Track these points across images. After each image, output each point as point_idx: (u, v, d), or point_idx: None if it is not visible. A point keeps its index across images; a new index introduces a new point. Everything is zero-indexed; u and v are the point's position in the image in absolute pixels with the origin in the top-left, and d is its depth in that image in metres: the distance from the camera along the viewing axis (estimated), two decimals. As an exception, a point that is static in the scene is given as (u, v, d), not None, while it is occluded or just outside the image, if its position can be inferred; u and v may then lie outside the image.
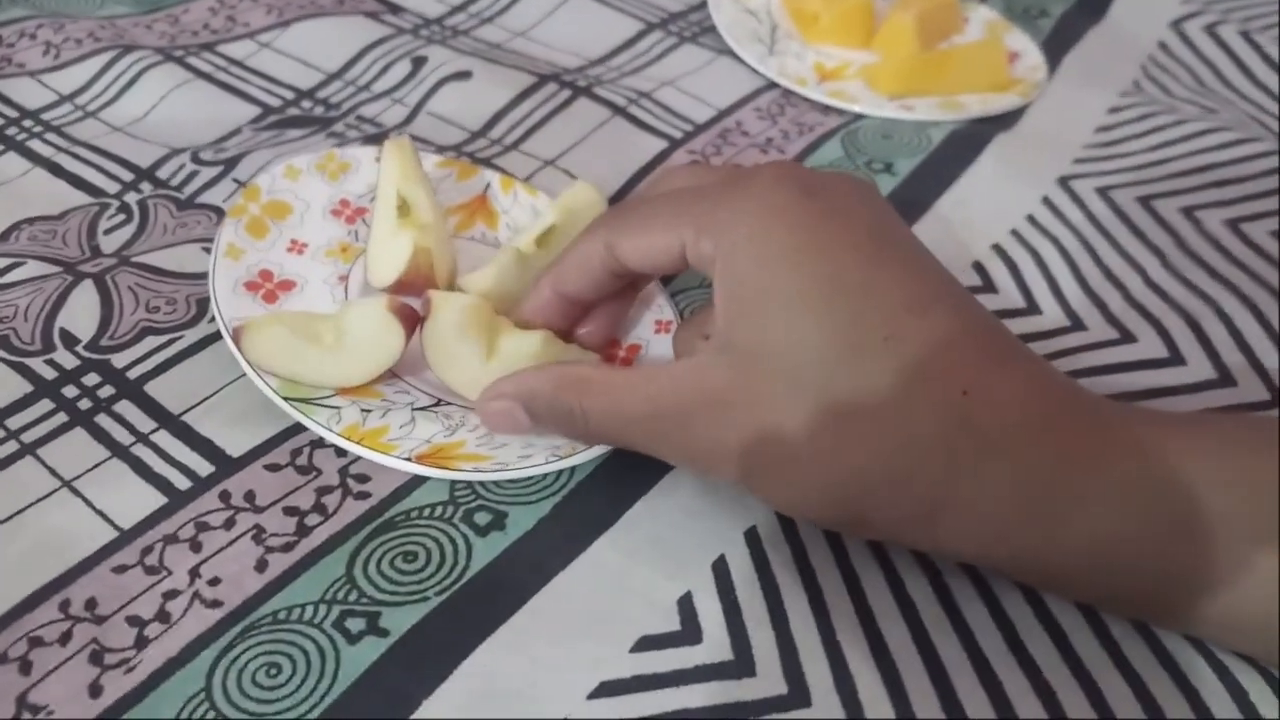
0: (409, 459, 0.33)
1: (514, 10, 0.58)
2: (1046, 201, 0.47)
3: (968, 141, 0.50)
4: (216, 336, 0.38)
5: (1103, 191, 0.47)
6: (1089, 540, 0.28)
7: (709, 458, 0.30)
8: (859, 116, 0.52)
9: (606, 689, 0.29)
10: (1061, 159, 0.49)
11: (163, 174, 0.46)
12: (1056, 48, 0.58)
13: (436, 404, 0.36)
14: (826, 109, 0.52)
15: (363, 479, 0.34)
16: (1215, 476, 0.28)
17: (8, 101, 0.50)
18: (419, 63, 0.53)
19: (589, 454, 0.34)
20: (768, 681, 0.29)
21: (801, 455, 0.28)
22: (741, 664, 0.30)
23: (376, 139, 0.48)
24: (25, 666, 0.29)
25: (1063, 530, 0.28)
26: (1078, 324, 0.41)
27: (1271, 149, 0.49)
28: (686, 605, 0.31)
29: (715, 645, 0.30)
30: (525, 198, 0.44)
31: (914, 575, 0.32)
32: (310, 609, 0.31)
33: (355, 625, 0.30)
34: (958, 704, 0.29)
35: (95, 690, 0.29)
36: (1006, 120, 0.52)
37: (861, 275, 0.29)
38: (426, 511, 0.33)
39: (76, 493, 0.34)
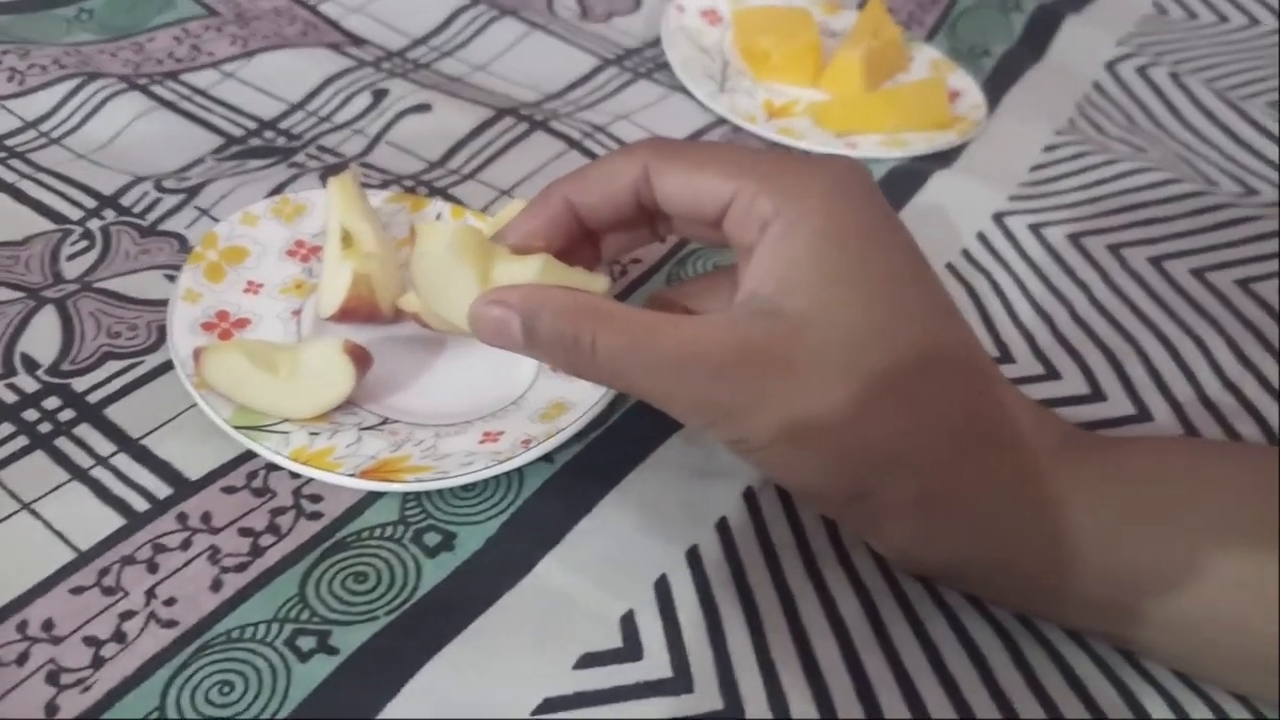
0: (354, 474, 0.35)
1: (474, 45, 0.60)
2: (981, 237, 0.49)
3: (908, 178, 0.52)
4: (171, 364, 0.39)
5: (1035, 228, 0.49)
6: (1057, 533, 0.30)
7: (731, 414, 0.30)
8: (805, 153, 0.54)
9: (550, 705, 0.30)
10: (997, 196, 0.51)
11: (125, 201, 0.47)
12: (997, 86, 0.60)
13: (382, 423, 0.38)
14: (774, 145, 0.54)
15: (315, 499, 0.36)
16: (1171, 479, 0.31)
17: (-27, 128, 0.51)
18: (380, 95, 0.54)
19: (527, 456, 0.35)
20: (705, 697, 0.31)
21: (826, 424, 0.29)
22: (680, 680, 0.31)
23: (336, 169, 0.49)
24: (-15, 683, 0.30)
25: (1037, 523, 0.30)
26: (1007, 356, 0.43)
27: (1195, 189, 0.51)
28: (629, 623, 0.32)
29: (655, 662, 0.32)
30: (475, 225, 0.45)
31: (846, 596, 0.34)
32: (263, 628, 0.32)
33: (306, 644, 0.32)
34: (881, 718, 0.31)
35: (51, 709, 0.30)
36: (947, 157, 0.54)
37: (910, 273, 0.31)
38: (378, 532, 0.35)
39: (36, 515, 0.35)
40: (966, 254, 0.48)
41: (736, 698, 0.31)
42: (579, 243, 0.35)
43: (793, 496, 0.36)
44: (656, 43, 0.61)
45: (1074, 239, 0.48)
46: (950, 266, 0.47)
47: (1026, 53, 0.64)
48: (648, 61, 0.60)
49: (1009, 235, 0.49)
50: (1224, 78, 0.62)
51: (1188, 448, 0.34)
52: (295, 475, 0.36)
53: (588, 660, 0.31)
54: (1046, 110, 0.59)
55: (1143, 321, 0.44)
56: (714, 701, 0.31)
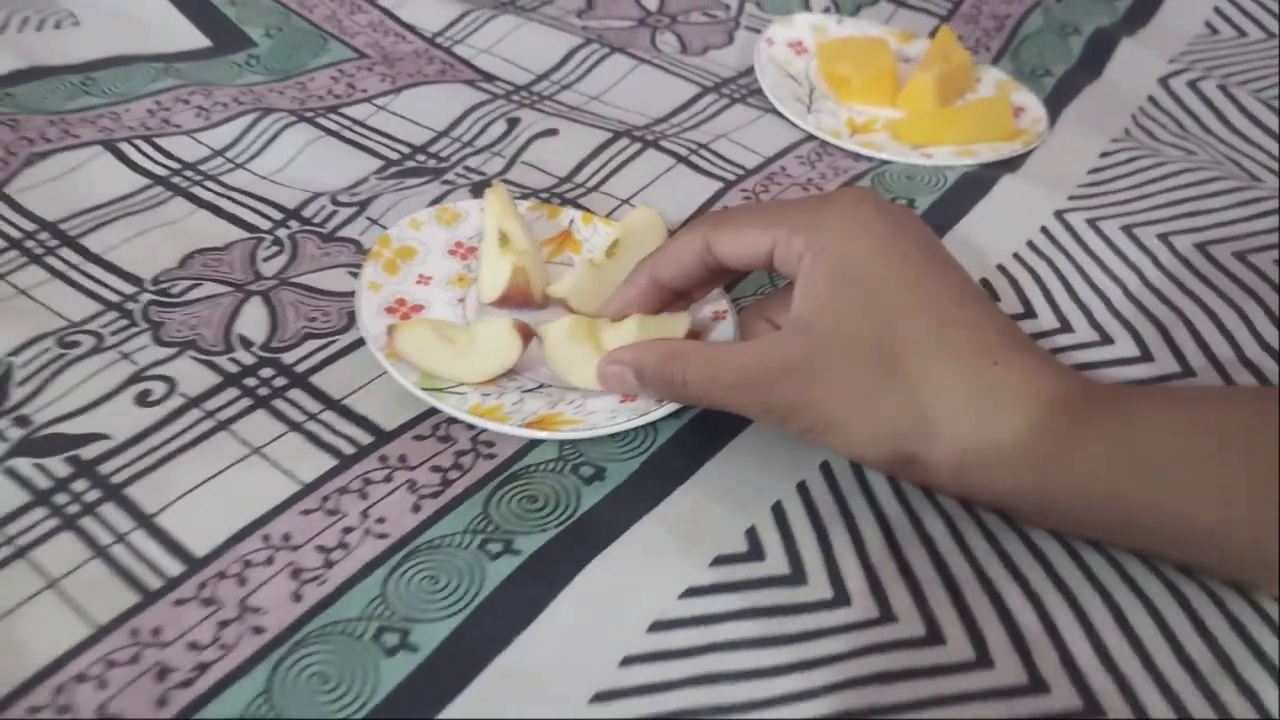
0: (520, 425, 0.42)
1: (589, 78, 0.68)
2: (1044, 230, 0.55)
3: (978, 182, 0.59)
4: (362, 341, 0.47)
5: (1092, 222, 0.55)
6: (1078, 479, 0.36)
7: (787, 413, 0.39)
8: (885, 162, 0.61)
9: (691, 591, 0.38)
10: (1058, 196, 0.58)
11: (306, 213, 0.56)
12: (1057, 102, 0.67)
13: (539, 387, 0.45)
14: (858, 156, 0.62)
15: (489, 444, 0.43)
16: (1175, 422, 0.36)
17: (170, 155, 0.60)
18: (513, 122, 0.63)
19: (660, 412, 0.42)
20: (817, 588, 0.38)
21: (859, 413, 0.38)
22: (796, 576, 0.38)
23: (480, 187, 0.57)
24: (241, 581, 0.38)
25: (1058, 472, 0.36)
26: (1066, 327, 0.49)
27: (1239, 184, 0.57)
28: (752, 534, 0.40)
29: (776, 562, 0.39)
30: (602, 228, 0.53)
31: (931, 517, 0.40)
32: (457, 537, 0.40)
33: (494, 549, 0.39)
34: (967, 609, 0.37)
35: (296, 597, 0.38)
36: (1012, 164, 0.61)
37: (920, 276, 0.39)
38: (542, 467, 0.42)
39: (265, 457, 0.43)
40: (1031, 245, 0.54)
41: (843, 590, 0.38)
42: (667, 300, 0.45)
43: None
44: (749, 72, 0.69)
45: (1127, 230, 0.55)
46: (1016, 256, 0.53)
47: (1084, 72, 0.71)
48: (742, 88, 0.68)
49: (1069, 228, 0.55)
50: (1271, 88, 0.68)
51: (1196, 394, 0.40)
52: (471, 427, 0.44)
53: (720, 560, 0.39)
54: (1103, 123, 0.65)
55: (1188, 296, 0.50)
56: (825, 592, 0.38)
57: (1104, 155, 0.61)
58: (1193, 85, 0.69)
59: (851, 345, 0.38)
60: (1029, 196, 0.58)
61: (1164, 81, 0.69)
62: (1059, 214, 0.56)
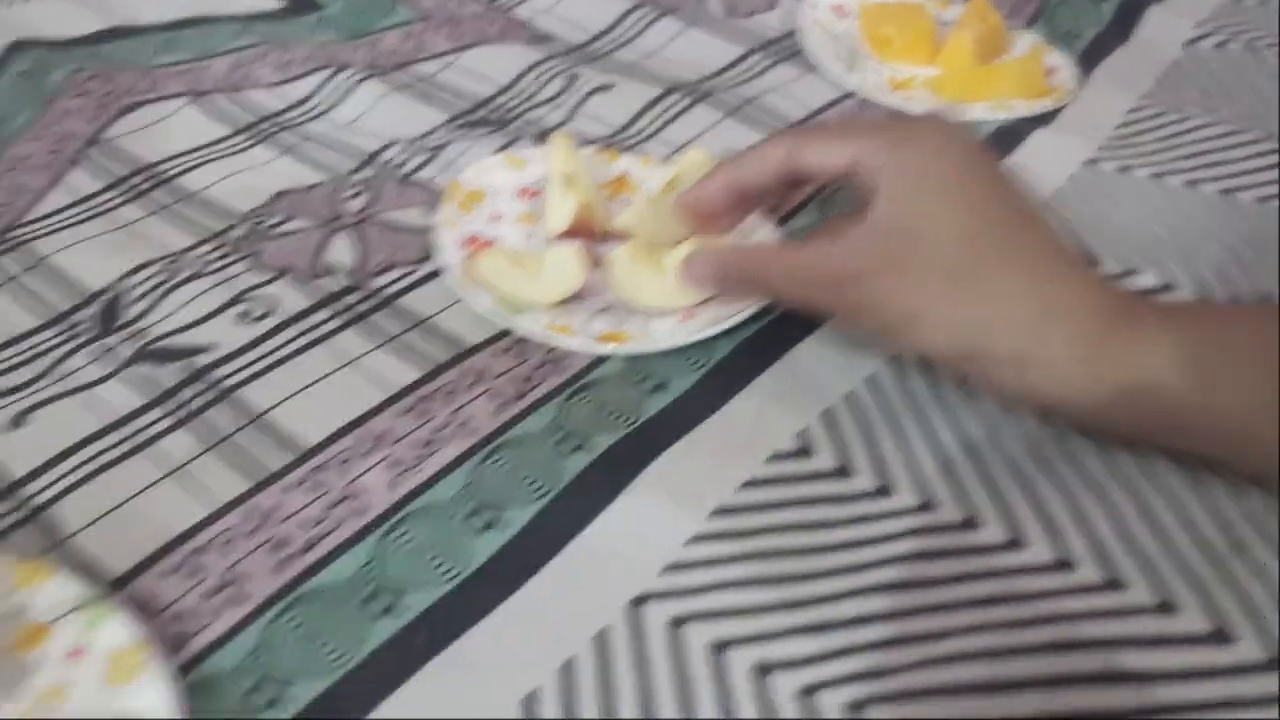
0: (589, 340, 0.47)
1: (642, 38, 0.72)
2: (1072, 179, 0.59)
3: (1011, 135, 0.62)
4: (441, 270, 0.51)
5: (1120, 170, 0.59)
6: (1130, 383, 0.39)
7: (865, 309, 0.42)
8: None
9: (750, 484, 0.42)
10: (1088, 147, 0.61)
11: (383, 159, 0.60)
12: (1088, 63, 0.70)
13: (605, 309, 0.50)
14: (898, 112, 0.65)
15: (560, 360, 0.47)
16: (1221, 331, 0.40)
17: (252, 107, 0.64)
18: (571, 78, 0.67)
19: (716, 329, 0.47)
20: (863, 480, 0.42)
21: (933, 311, 0.41)
22: (843, 469, 0.42)
23: (543, 136, 0.61)
24: (344, 470, 0.42)
25: (1111, 376, 0.39)
26: (1094, 262, 0.53)
27: (1260, 136, 0.61)
28: (804, 434, 0.44)
29: (824, 458, 0.43)
30: (657, 171, 0.57)
31: (969, 415, 0.44)
32: (535, 437, 0.44)
33: (568, 446, 0.43)
34: (1000, 495, 0.41)
35: (394, 484, 0.42)
36: (1044, 119, 0.64)
37: (992, 193, 0.42)
38: (609, 379, 0.46)
39: (359, 368, 0.47)
40: (1061, 191, 0.58)
41: (888, 478, 0.42)
42: (733, 204, 0.48)
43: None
44: (792, 34, 0.73)
45: (1155, 178, 0.58)
46: (1046, 201, 0.57)
47: (1114, 35, 0.74)
48: (786, 49, 0.72)
49: (1098, 176, 0.59)
50: (1293, 51, 0.71)
51: (1238, 309, 0.44)
52: (543, 344, 0.48)
53: (775, 457, 0.43)
54: (1131, 82, 0.69)
55: (1212, 239, 0.54)
56: (869, 484, 0.42)
57: (1132, 111, 0.65)
58: (1218, 47, 0.72)
59: (931, 248, 0.41)
60: (1060, 147, 0.61)
61: (1191, 44, 0.72)
62: (1089, 163, 0.60)
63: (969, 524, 0.40)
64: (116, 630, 0.36)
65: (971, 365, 0.42)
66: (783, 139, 0.46)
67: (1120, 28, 0.75)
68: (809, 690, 0.35)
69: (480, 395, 0.46)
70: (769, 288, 0.45)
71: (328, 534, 0.40)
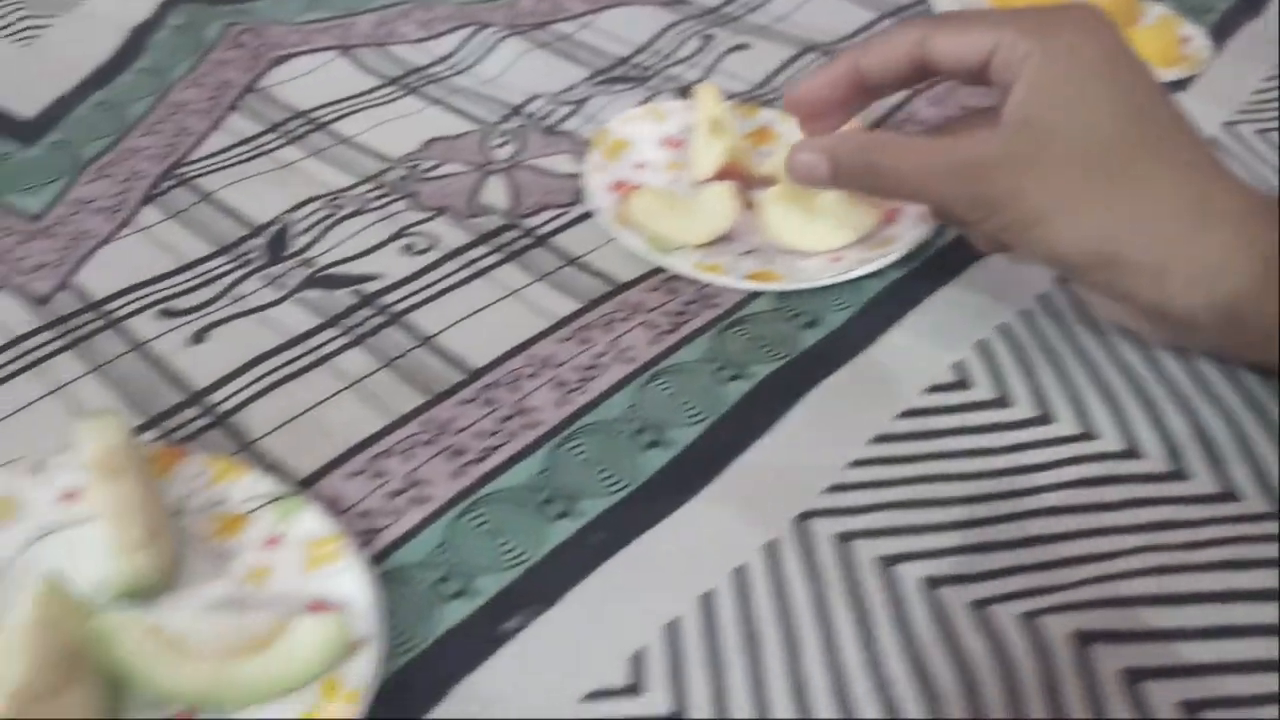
0: (740, 279, 0.48)
1: (773, 2, 0.73)
2: (1213, 140, 0.59)
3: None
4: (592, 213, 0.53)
5: (1261, 133, 0.59)
6: (1273, 290, 0.38)
7: (996, 205, 0.40)
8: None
9: (907, 413, 0.43)
10: (1226, 111, 0.61)
11: (529, 110, 0.62)
12: (1219, 36, 0.70)
13: (753, 250, 0.51)
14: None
15: (712, 295, 0.49)
16: None
17: (398, 62, 0.67)
18: (707, 39, 0.68)
19: (868, 268, 0.48)
20: (1022, 409, 0.43)
21: (1071, 209, 0.39)
22: (1002, 399, 0.43)
23: (682, 92, 0.63)
24: (514, 389, 0.44)
25: (1255, 282, 0.38)
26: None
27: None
28: (960, 367, 0.44)
29: (983, 389, 0.43)
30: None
31: (1123, 339, 0.45)
32: (693, 365, 0.45)
33: (726, 375, 0.45)
34: (1163, 424, 0.42)
35: (562, 403, 0.44)
36: (1180, 84, 0.64)
37: (1143, 87, 0.40)
38: (762, 315, 0.48)
39: (521, 298, 0.49)
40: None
41: (1047, 408, 0.42)
42: (854, 95, 0.45)
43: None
44: (922, 0, 0.73)
45: (1296, 138, 0.58)
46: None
47: (1245, 10, 0.74)
48: (916, 14, 0.72)
49: (1239, 138, 0.59)
50: None
51: None
52: (695, 281, 0.49)
53: (933, 388, 0.44)
54: (1263, 55, 0.68)
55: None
56: (1030, 411, 0.42)
57: (1266, 79, 0.65)
58: (1354, 21, 0.71)
59: (1075, 141, 0.39)
60: (1197, 110, 0.61)
61: (1325, 18, 0.72)
62: (1227, 125, 0.60)
63: (1130, 454, 0.41)
64: (310, 521, 0.38)
65: (1102, 272, 0.40)
66: (915, 25, 0.43)
67: (1250, 3, 0.74)
68: (981, 604, 0.36)
69: (636, 326, 0.47)
70: (891, 179, 0.41)
71: (502, 444, 0.42)
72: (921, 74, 0.44)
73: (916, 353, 0.45)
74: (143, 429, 0.43)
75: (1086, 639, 0.34)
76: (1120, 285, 0.40)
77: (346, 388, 0.44)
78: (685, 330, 0.47)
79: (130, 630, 0.33)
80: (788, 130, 0.58)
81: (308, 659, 0.32)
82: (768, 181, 0.53)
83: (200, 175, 0.57)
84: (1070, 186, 0.39)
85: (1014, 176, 0.39)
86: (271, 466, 0.41)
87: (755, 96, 0.63)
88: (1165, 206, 0.39)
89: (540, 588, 0.37)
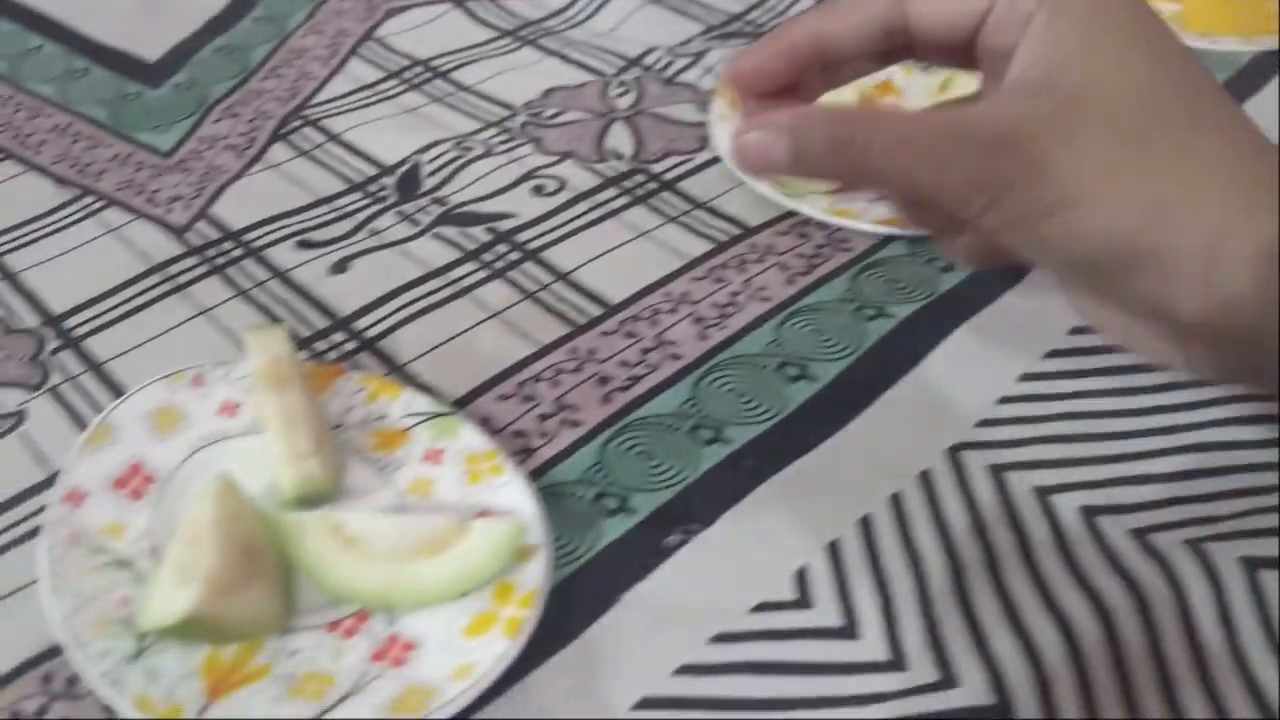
0: (873, 224, 0.48)
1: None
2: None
3: (1265, 67, 0.62)
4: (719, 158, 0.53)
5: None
6: None
7: (1013, 185, 0.30)
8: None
9: (1057, 353, 0.43)
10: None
11: (647, 62, 0.62)
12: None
13: (879, 198, 0.51)
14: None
15: (845, 240, 0.49)
16: None
17: (512, 15, 0.67)
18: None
19: None
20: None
21: (1107, 187, 0.30)
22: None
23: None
24: (654, 322, 0.44)
25: None
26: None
27: None
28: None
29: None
30: (920, 76, 0.58)
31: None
32: (832, 304, 0.45)
33: (866, 314, 0.45)
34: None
35: (702, 336, 0.44)
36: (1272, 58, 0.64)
37: (1171, 42, 0.31)
38: (897, 260, 0.48)
39: (652, 239, 0.49)
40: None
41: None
42: (798, 72, 0.34)
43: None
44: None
45: None
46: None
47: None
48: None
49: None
50: None
51: None
52: (826, 225, 0.49)
53: (1078, 330, 0.43)
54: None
55: None
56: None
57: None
58: None
59: (1109, 103, 0.30)
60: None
61: None
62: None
63: (1282, 397, 0.40)
64: (468, 437, 0.38)
65: (1137, 265, 0.30)
66: None
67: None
68: (1141, 532, 0.36)
69: (770, 267, 0.47)
70: (871, 157, 0.30)
71: (646, 374, 0.42)
72: (894, 48, 0.34)
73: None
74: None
75: (1254, 565, 0.34)
76: (1150, 283, 0.30)
77: (490, 317, 0.45)
78: (819, 272, 0.47)
79: (314, 527, 0.33)
80: (909, 84, 0.58)
81: (487, 560, 0.33)
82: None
83: (326, 117, 0.58)
84: (1108, 159, 0.30)
85: (1035, 151, 0.30)
86: (423, 388, 0.42)
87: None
88: (1216, 182, 0.30)
89: (697, 507, 0.37)
